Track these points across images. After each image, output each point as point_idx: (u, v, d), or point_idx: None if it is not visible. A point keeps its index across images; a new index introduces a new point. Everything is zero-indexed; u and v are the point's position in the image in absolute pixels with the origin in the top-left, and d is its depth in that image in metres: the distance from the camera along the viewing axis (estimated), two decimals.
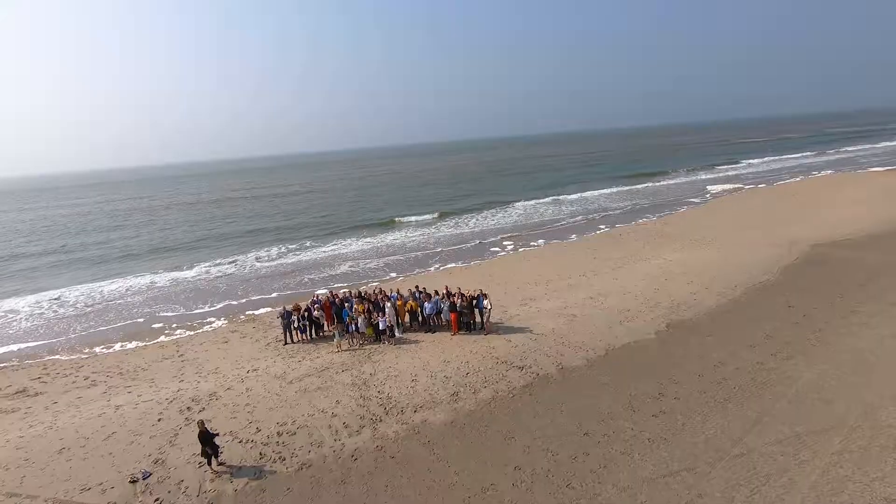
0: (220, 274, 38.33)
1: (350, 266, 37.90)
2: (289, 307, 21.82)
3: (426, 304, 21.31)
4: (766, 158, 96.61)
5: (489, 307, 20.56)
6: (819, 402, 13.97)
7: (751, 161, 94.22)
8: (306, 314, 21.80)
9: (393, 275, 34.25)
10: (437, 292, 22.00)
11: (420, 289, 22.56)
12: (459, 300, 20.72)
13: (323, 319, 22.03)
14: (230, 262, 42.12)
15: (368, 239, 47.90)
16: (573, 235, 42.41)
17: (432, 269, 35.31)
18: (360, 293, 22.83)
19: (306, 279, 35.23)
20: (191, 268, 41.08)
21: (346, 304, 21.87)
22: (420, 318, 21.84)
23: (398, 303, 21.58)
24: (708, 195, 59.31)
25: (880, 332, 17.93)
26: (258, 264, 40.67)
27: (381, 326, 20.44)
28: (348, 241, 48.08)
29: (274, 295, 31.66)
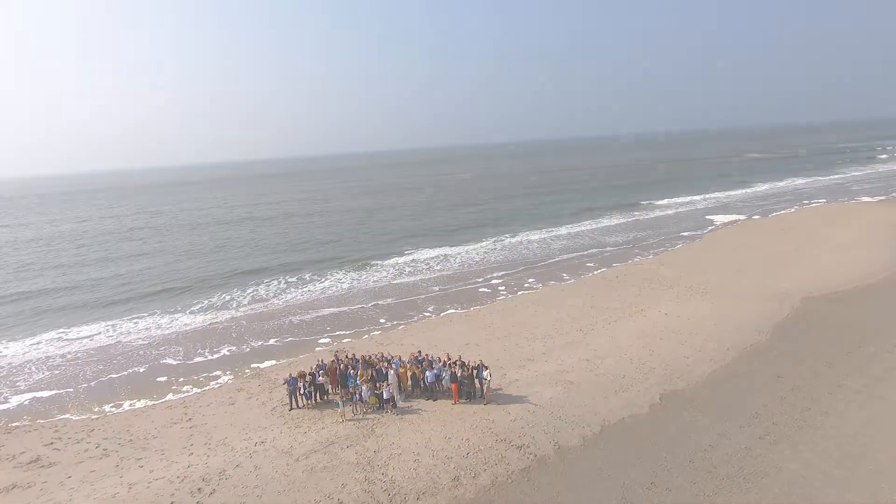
0: (217, 316, 38.75)
1: (339, 307, 38.63)
2: (294, 374, 22.51)
3: (427, 372, 22.06)
4: (764, 186, 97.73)
5: (488, 378, 21.31)
6: (803, 499, 14.70)
7: (748, 190, 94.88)
8: (311, 378, 22.50)
9: (383, 321, 34.88)
10: (438, 359, 22.78)
11: (423, 355, 23.33)
12: (460, 370, 21.46)
13: (328, 384, 22.73)
14: (226, 302, 42.53)
15: (358, 275, 48.51)
16: (567, 276, 43.17)
17: (428, 311, 36.25)
18: (364, 358, 23.54)
19: (298, 320, 36.16)
20: (187, 307, 41.48)
21: (350, 370, 22.57)
22: (422, 385, 22.57)
23: (401, 370, 22.33)
24: (705, 229, 60.13)
25: (863, 415, 18.74)
26: (254, 306, 40.78)
27: (384, 396, 21.14)
28: (342, 276, 48.61)
29: (272, 341, 32.34)
